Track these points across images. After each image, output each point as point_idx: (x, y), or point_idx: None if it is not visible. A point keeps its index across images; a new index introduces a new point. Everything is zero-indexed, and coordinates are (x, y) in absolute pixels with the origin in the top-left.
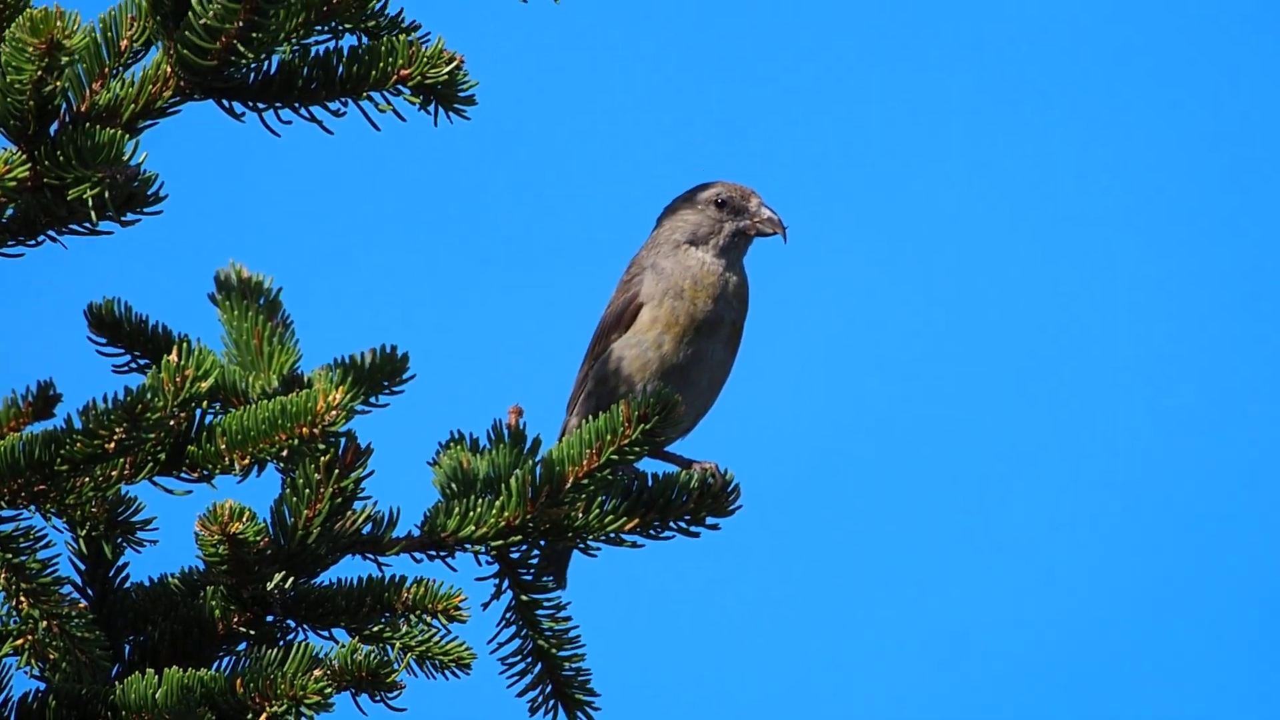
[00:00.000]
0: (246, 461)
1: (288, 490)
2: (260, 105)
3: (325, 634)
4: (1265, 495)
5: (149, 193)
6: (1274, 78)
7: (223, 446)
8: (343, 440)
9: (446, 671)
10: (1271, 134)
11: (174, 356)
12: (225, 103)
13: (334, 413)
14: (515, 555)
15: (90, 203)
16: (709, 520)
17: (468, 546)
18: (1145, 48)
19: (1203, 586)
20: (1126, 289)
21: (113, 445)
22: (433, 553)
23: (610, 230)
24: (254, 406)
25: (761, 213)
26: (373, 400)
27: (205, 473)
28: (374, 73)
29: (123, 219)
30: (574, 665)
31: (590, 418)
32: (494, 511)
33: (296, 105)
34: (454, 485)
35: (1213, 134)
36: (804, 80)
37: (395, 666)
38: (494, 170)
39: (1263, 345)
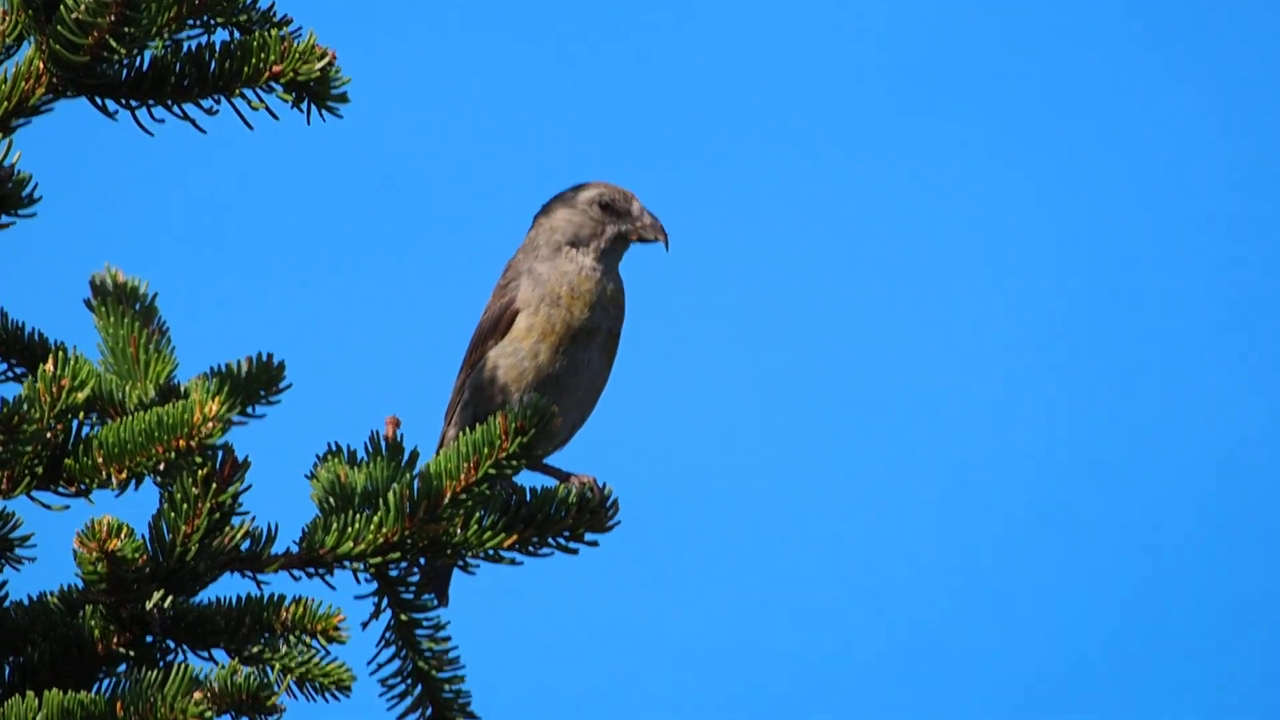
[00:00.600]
0: (124, 475)
1: (166, 505)
2: (133, 103)
3: (205, 655)
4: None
5: (23, 194)
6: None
7: (100, 460)
8: (220, 453)
9: (327, 694)
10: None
11: (50, 365)
12: (98, 100)
13: (211, 424)
14: (394, 573)
15: None
16: (588, 536)
17: (346, 564)
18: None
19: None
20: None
21: None
22: (311, 570)
23: (486, 231)
24: (131, 418)
25: (644, 218)
26: (250, 411)
27: (83, 487)
28: (246, 69)
29: None
30: (454, 687)
31: (467, 429)
32: (372, 527)
33: (169, 103)
34: (331, 499)
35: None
36: (684, 76)
37: (275, 689)
38: (368, 171)
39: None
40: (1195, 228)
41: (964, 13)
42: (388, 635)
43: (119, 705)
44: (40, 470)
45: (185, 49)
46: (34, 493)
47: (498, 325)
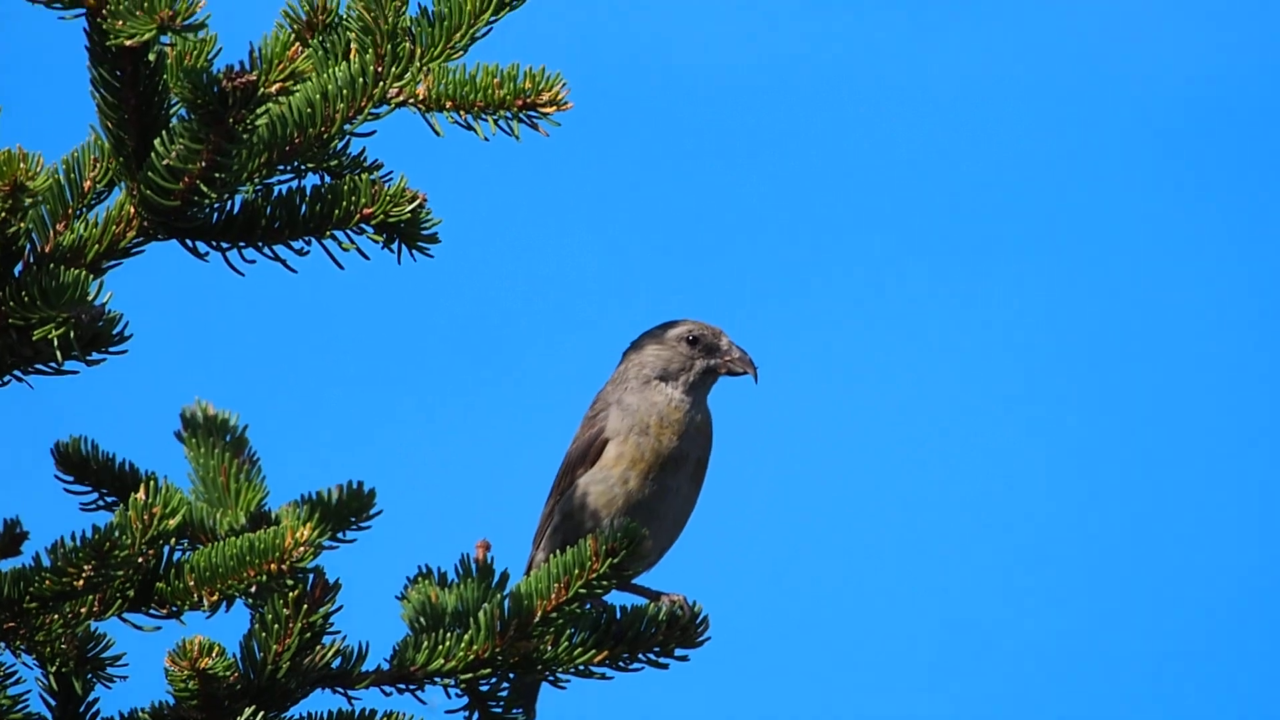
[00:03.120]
0: (215, 598)
1: (257, 625)
2: (224, 245)
3: None
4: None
5: (114, 332)
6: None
7: (191, 583)
8: (311, 576)
9: None
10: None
11: (141, 494)
12: (189, 242)
13: (302, 549)
14: (484, 688)
15: (55, 343)
16: (678, 651)
17: (437, 680)
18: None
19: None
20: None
21: (81, 582)
22: (402, 686)
23: (573, 364)
24: (222, 543)
25: (733, 352)
26: (340, 536)
27: (174, 609)
28: (337, 212)
29: (88, 359)
30: None
31: (557, 552)
32: (463, 645)
33: (260, 244)
34: (422, 619)
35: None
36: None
37: None
38: (456, 304)
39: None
40: None
41: None
42: None
43: None
44: (132, 594)
45: (276, 193)
46: (126, 615)
47: (588, 454)
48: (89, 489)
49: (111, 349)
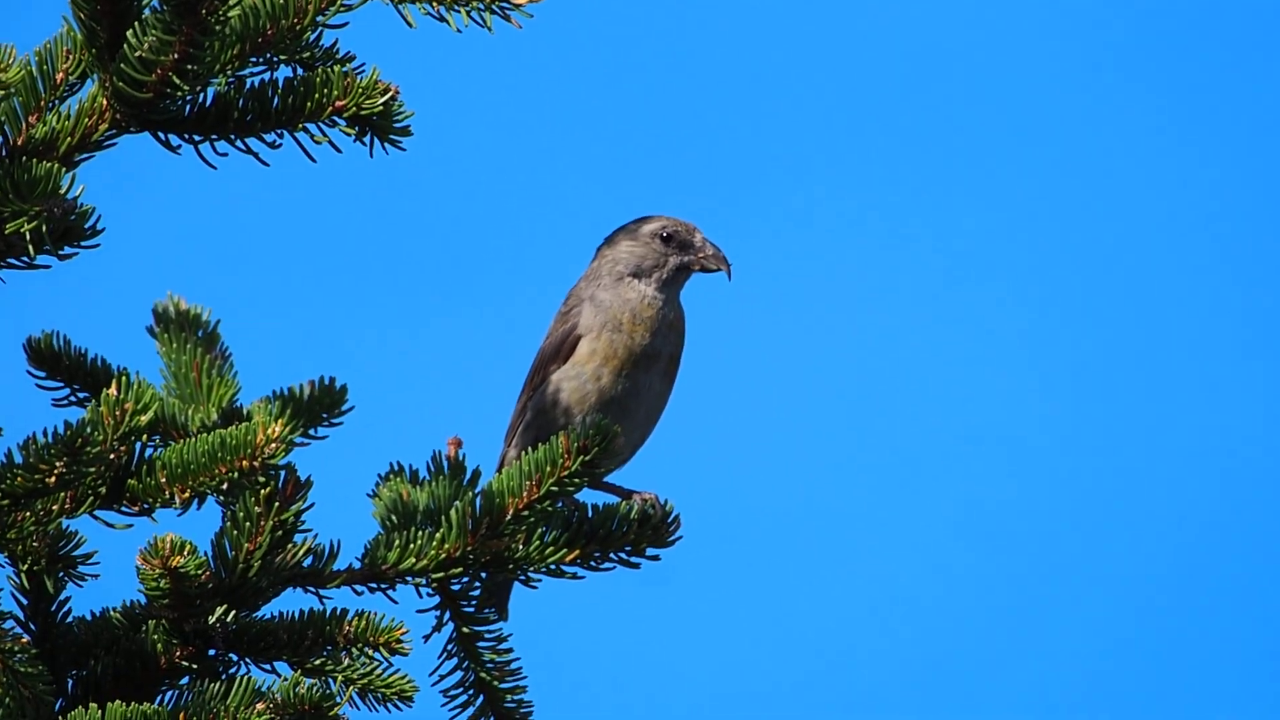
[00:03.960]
0: (187, 495)
1: (228, 523)
2: (196, 137)
3: (267, 667)
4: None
5: (86, 226)
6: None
7: (163, 480)
8: (283, 473)
9: (389, 704)
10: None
11: (113, 390)
12: (161, 135)
13: (274, 445)
14: (456, 587)
15: (28, 236)
16: (649, 551)
17: (409, 579)
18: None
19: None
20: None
21: (53, 480)
22: (374, 585)
23: (546, 259)
24: (194, 440)
25: (706, 249)
26: (312, 432)
27: (146, 506)
28: (309, 104)
29: (60, 253)
30: (516, 697)
31: (529, 449)
32: (434, 543)
33: (232, 137)
34: (394, 517)
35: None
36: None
37: (338, 699)
38: (428, 198)
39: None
40: None
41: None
42: (450, 648)
43: (182, 716)
44: (104, 490)
45: (249, 85)
46: (97, 512)
47: (560, 350)
48: (60, 384)
49: (84, 243)
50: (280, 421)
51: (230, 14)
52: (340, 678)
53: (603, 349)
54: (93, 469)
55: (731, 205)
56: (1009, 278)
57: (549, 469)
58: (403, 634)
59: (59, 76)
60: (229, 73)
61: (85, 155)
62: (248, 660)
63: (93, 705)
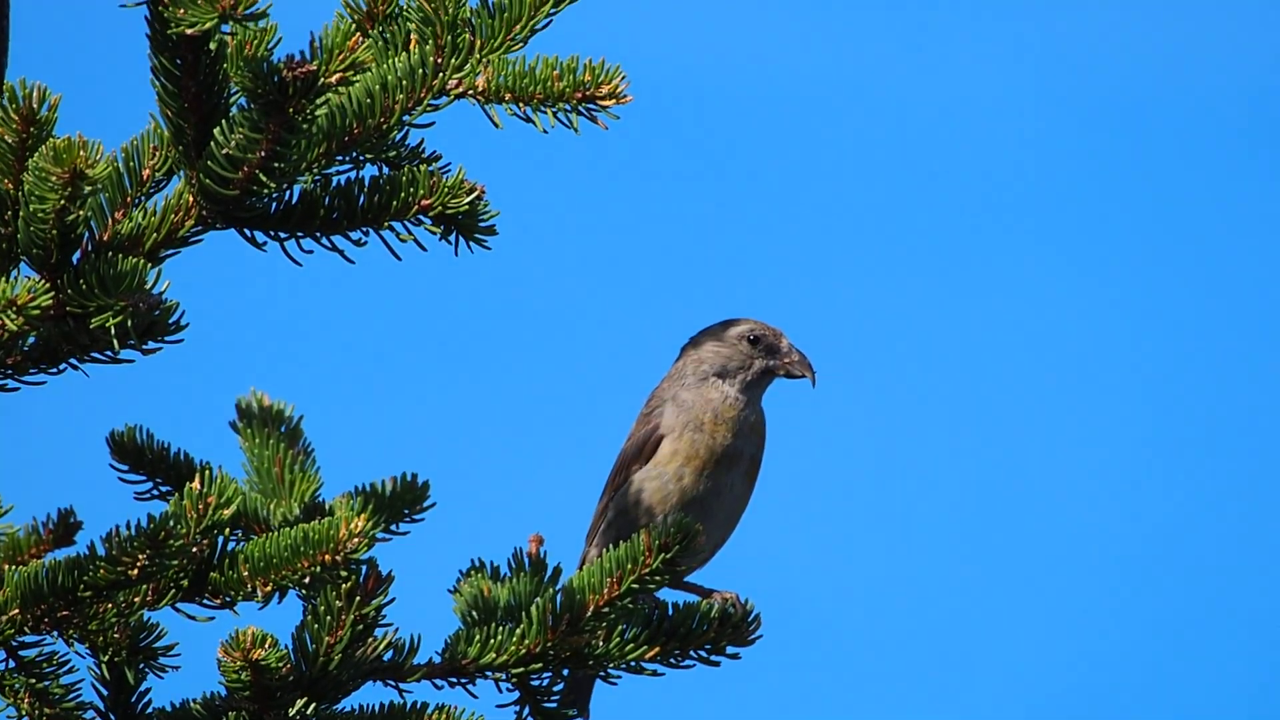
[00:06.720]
0: (269, 588)
1: (309, 617)
2: (282, 234)
3: None
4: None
5: (170, 321)
6: None
7: (245, 573)
8: (364, 568)
9: None
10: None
11: (196, 484)
12: (247, 232)
13: (356, 540)
14: (536, 683)
15: (112, 331)
16: (729, 649)
17: (489, 674)
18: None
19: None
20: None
21: (136, 572)
22: (454, 680)
23: (629, 361)
24: (276, 534)
25: (793, 354)
26: (394, 528)
27: (227, 599)
28: (395, 203)
29: (144, 347)
30: None
31: (611, 547)
32: (515, 639)
33: (318, 234)
34: (475, 613)
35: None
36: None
37: None
38: (512, 296)
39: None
40: None
41: None
42: None
43: None
44: (186, 584)
45: (334, 183)
46: (179, 604)
47: (643, 450)
48: (144, 478)
49: (168, 338)
50: (362, 517)
51: (317, 113)
52: None
53: (685, 449)
54: (175, 562)
55: (819, 308)
56: (1112, 376)
57: (630, 566)
58: None
59: (145, 173)
60: (315, 171)
61: (171, 251)
62: None
63: None
